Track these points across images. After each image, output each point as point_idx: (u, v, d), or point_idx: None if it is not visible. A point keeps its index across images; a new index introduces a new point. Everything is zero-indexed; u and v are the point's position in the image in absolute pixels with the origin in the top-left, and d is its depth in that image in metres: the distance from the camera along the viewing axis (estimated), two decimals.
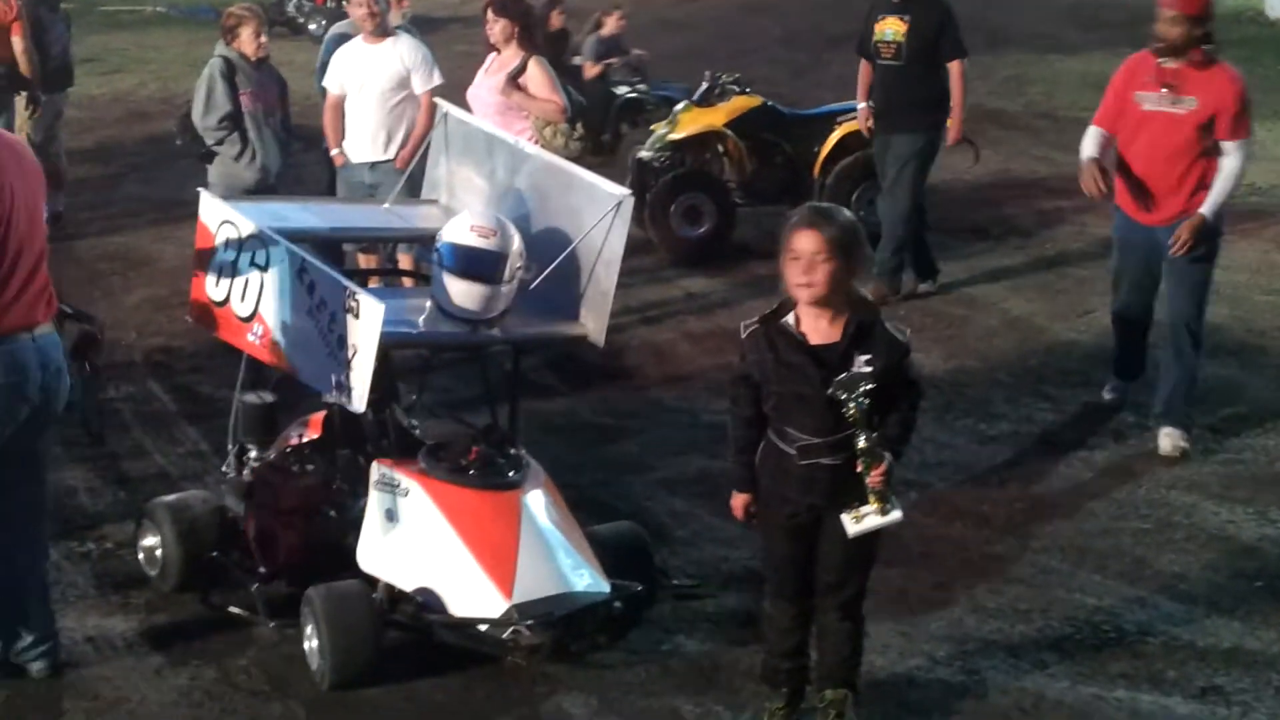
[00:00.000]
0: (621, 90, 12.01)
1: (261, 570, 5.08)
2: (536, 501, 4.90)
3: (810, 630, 4.43)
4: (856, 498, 4.16)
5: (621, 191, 5.20)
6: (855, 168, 9.43)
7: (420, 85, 7.81)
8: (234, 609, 5.04)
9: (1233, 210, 10.50)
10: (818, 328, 4.13)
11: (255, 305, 5.11)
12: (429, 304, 5.21)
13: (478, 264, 5.05)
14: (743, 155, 9.56)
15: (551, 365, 7.35)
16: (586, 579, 4.77)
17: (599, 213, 5.17)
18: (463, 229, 5.12)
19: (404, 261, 7.50)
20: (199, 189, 5.50)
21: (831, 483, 4.18)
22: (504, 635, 4.60)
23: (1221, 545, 5.79)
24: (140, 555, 5.33)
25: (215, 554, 5.19)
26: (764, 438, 4.30)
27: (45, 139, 9.42)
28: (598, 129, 11.17)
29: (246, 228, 5.16)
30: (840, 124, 9.57)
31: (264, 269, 5.07)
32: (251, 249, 5.12)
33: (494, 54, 7.97)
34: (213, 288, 5.28)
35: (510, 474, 4.95)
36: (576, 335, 5.33)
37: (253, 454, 5.40)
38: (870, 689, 4.78)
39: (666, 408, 7.15)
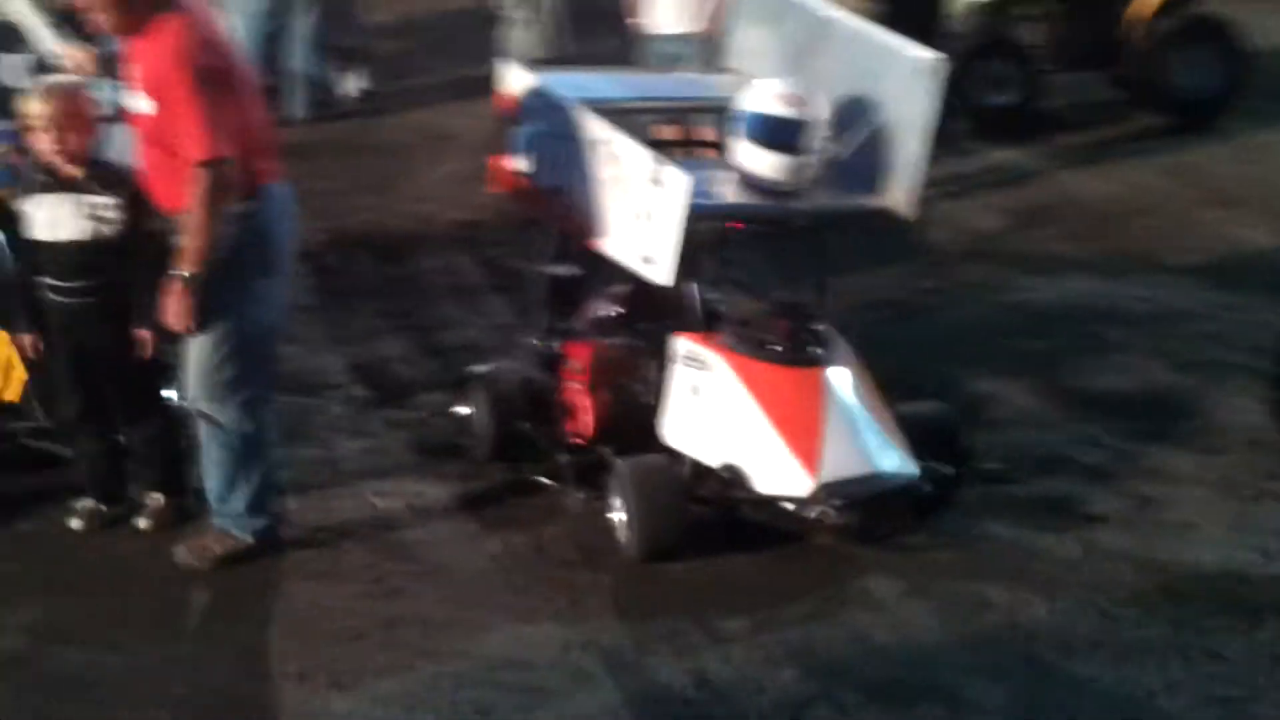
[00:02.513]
0: None
1: (569, 442, 5.13)
2: (843, 379, 4.80)
3: None
4: None
5: (931, 56, 4.96)
6: (1172, 30, 8.84)
7: None
8: (543, 479, 5.11)
9: None
10: None
11: (559, 177, 5.10)
12: (733, 175, 5.10)
13: (784, 133, 4.92)
14: (1051, 20, 9.08)
15: (856, 241, 7.18)
16: (894, 460, 4.68)
17: (906, 79, 4.95)
18: (767, 97, 4.99)
19: (703, 132, 7.39)
20: (497, 60, 5.49)
21: None
22: (810, 514, 4.55)
23: None
24: (454, 425, 5.44)
25: (525, 425, 5.26)
26: None
27: (345, 12, 9.58)
28: None
29: (550, 98, 5.13)
30: None
31: (568, 140, 5.04)
32: (555, 120, 5.10)
33: None
34: (517, 160, 5.29)
35: (815, 350, 4.86)
36: (885, 207, 5.15)
37: (560, 327, 5.43)
38: (1198, 583, 4.54)
39: (973, 285, 6.93)
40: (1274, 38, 10.31)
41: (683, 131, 7.62)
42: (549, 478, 5.10)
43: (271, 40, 8.97)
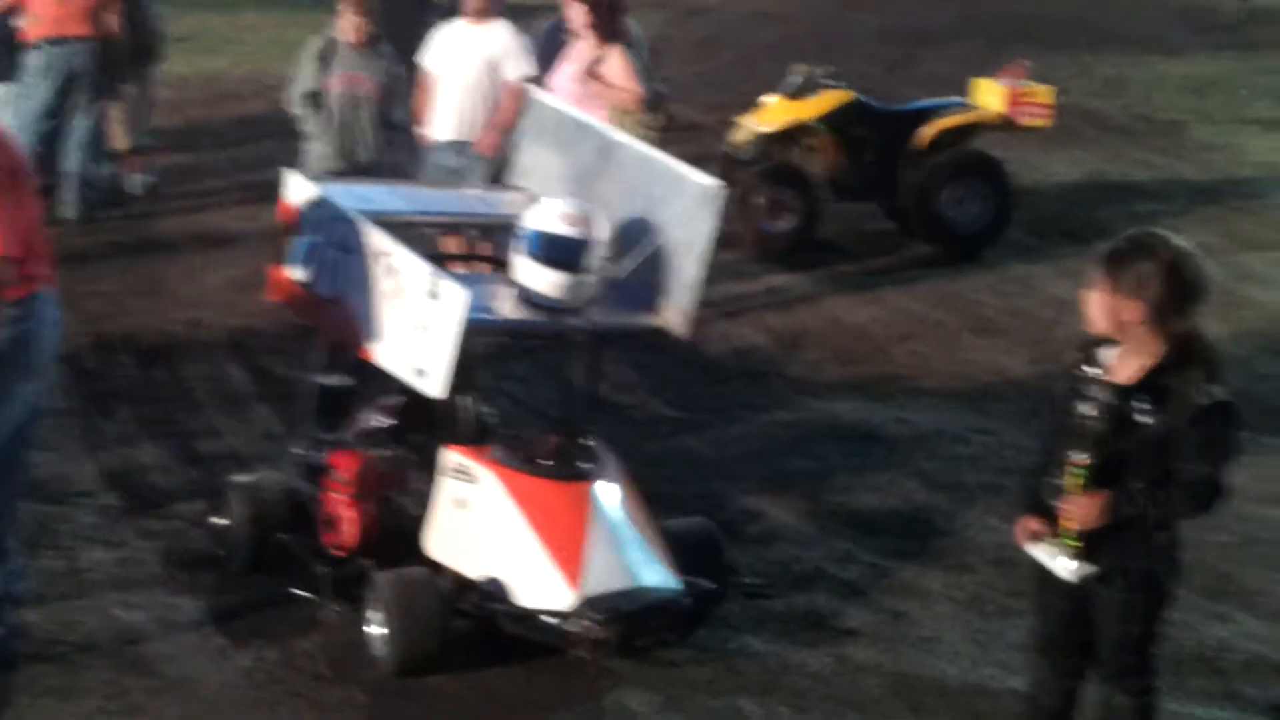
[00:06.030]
0: None
1: (330, 554, 5.06)
2: (609, 494, 4.85)
3: (1077, 702, 4.11)
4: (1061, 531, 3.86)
5: (711, 183, 5.11)
6: (945, 166, 9.27)
7: (513, 71, 7.75)
8: (300, 591, 5.02)
9: None
10: (1125, 364, 3.85)
11: (337, 287, 5.08)
12: (511, 291, 5.16)
13: (563, 252, 5.00)
14: (831, 150, 9.43)
15: (631, 358, 7.30)
16: (657, 575, 4.72)
17: (687, 204, 5.09)
18: (549, 216, 5.07)
19: (485, 248, 7.46)
20: (284, 169, 5.49)
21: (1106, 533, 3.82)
22: (570, 628, 4.56)
23: None
24: (210, 535, 5.33)
25: (284, 536, 5.18)
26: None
27: (136, 114, 9.49)
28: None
29: (331, 209, 5.14)
30: (932, 121, 9.41)
31: (347, 251, 5.04)
32: (335, 230, 5.10)
33: (577, 42, 7.91)
34: (295, 268, 5.26)
35: (583, 465, 4.90)
36: (659, 326, 5.26)
37: (327, 437, 5.38)
38: (941, 697, 4.70)
39: (744, 404, 7.07)
40: (1038, 175, 10.90)
41: (465, 246, 7.73)
42: (306, 590, 5.01)
43: (48, 140, 8.79)
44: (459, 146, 7.81)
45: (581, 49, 7.85)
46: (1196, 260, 3.83)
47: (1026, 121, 9.47)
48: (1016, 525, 3.98)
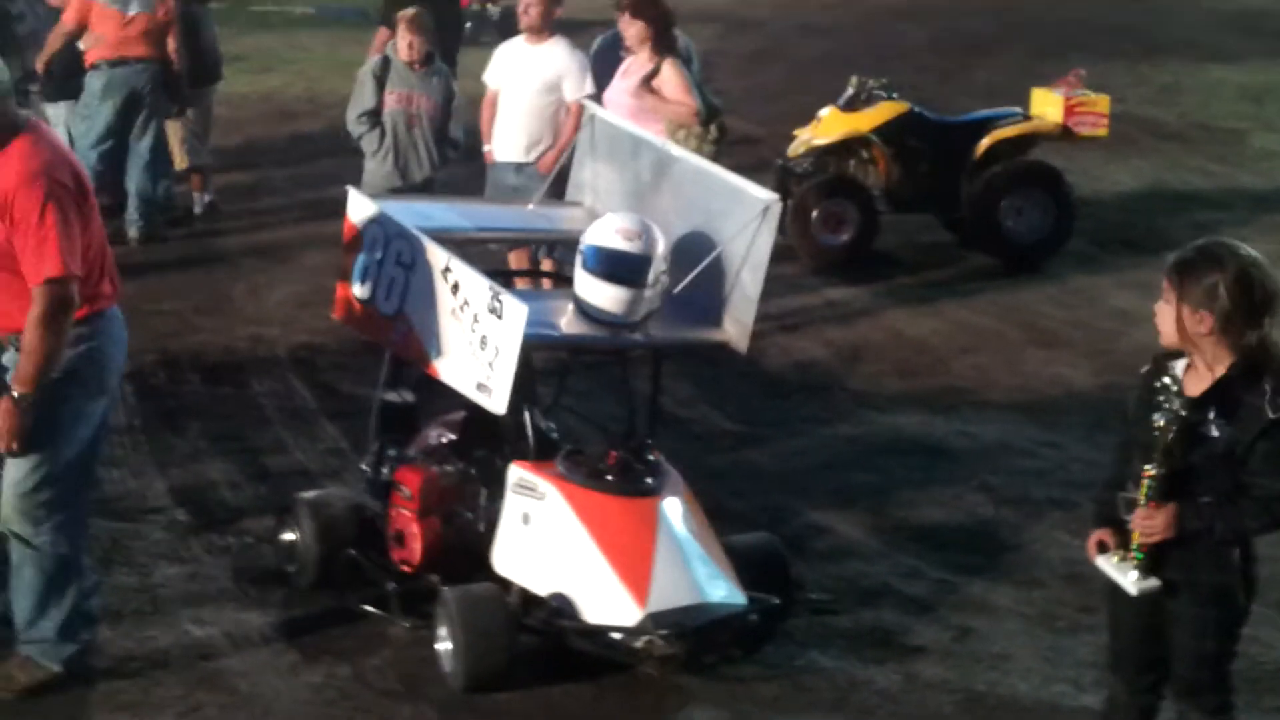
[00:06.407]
0: None
1: (397, 570, 5.08)
2: (674, 509, 4.84)
3: None
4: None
5: (769, 196, 5.11)
6: (1003, 176, 9.22)
7: (572, 92, 7.76)
8: (369, 608, 5.04)
9: None
10: (1196, 377, 3.80)
11: (399, 304, 5.11)
12: (571, 306, 5.17)
13: (622, 267, 5.01)
14: (887, 162, 9.40)
15: (691, 372, 7.29)
16: (722, 590, 4.70)
17: (745, 217, 5.09)
18: (608, 231, 5.08)
19: (546, 264, 7.50)
20: (346, 187, 5.53)
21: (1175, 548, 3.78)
22: (637, 644, 4.55)
23: None
24: (279, 551, 5.36)
25: (352, 552, 5.20)
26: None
27: (195, 134, 9.60)
28: None
29: (392, 226, 5.17)
30: (989, 132, 9.36)
31: (409, 268, 5.07)
32: (397, 247, 5.13)
33: (631, 56, 7.93)
34: (358, 286, 5.30)
35: (648, 480, 4.90)
36: (719, 341, 5.25)
37: (392, 453, 5.40)
38: (1012, 714, 4.66)
39: (805, 418, 7.05)
40: (1097, 185, 10.82)
41: (526, 262, 7.77)
42: (375, 606, 5.03)
43: (111, 159, 8.90)
44: (519, 166, 7.85)
45: (635, 63, 7.87)
46: (1265, 269, 3.78)
47: (1084, 131, 9.41)
48: (1089, 539, 3.93)
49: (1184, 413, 3.71)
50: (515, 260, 7.69)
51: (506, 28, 8.70)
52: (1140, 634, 3.95)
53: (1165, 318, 3.81)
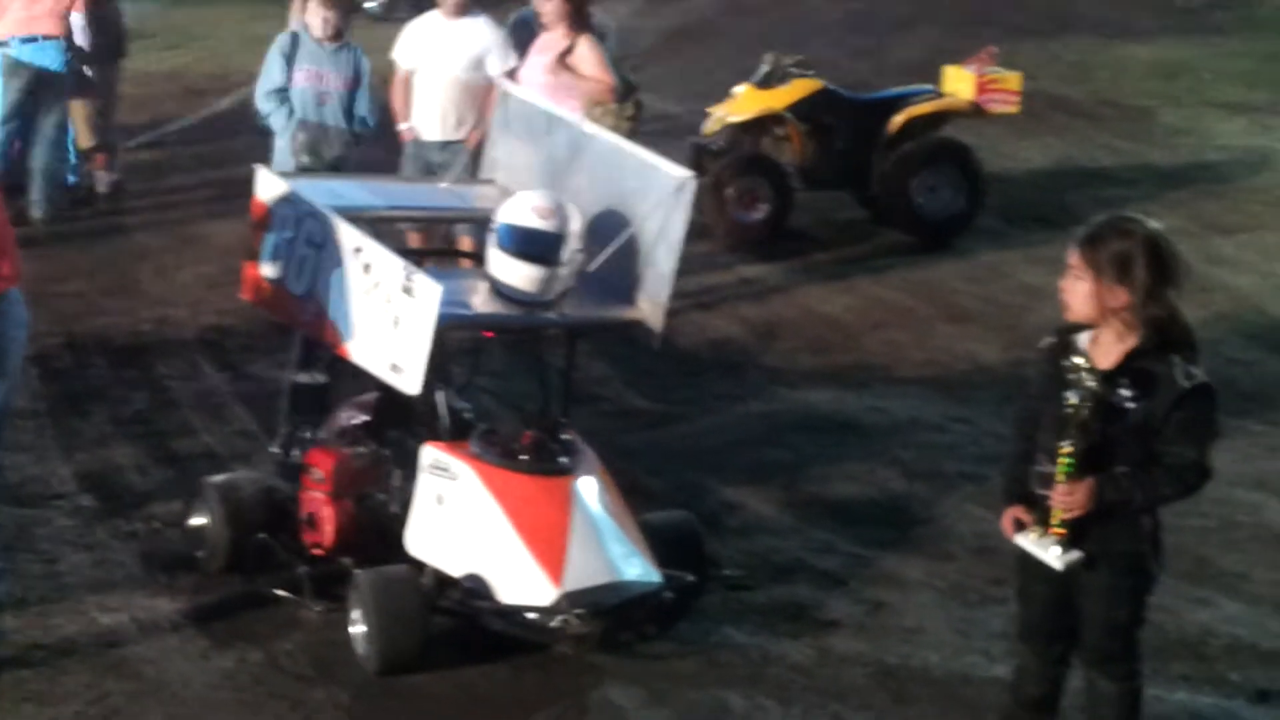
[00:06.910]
0: None
1: (309, 553, 5.04)
2: (589, 488, 4.83)
3: (1062, 689, 4.10)
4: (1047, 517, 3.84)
5: (684, 174, 5.10)
6: (915, 153, 9.28)
7: (496, 68, 7.70)
8: (280, 591, 4.99)
9: None
10: (1102, 349, 3.83)
11: (310, 284, 5.05)
12: (485, 285, 5.14)
13: (536, 245, 4.98)
14: (802, 139, 9.43)
15: (606, 351, 7.29)
16: (638, 568, 4.71)
17: (660, 195, 5.08)
18: (522, 209, 5.04)
19: (461, 242, 7.44)
20: (255, 165, 5.45)
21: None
22: (553, 624, 4.55)
23: None
24: (188, 536, 5.29)
25: (263, 535, 5.15)
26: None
27: (100, 112, 9.42)
28: None
29: (303, 205, 5.10)
30: (902, 109, 9.41)
31: (319, 247, 5.01)
32: (308, 227, 5.07)
33: (547, 33, 7.88)
34: (267, 266, 5.23)
35: (563, 460, 4.88)
36: (634, 319, 5.25)
37: (303, 435, 5.34)
38: (925, 686, 4.71)
39: (719, 395, 7.07)
40: (1008, 161, 10.93)
41: (434, 240, 7.71)
42: (287, 590, 4.98)
43: (14, 139, 8.72)
44: (445, 144, 7.76)
45: (550, 39, 7.83)
46: (1172, 242, 3.84)
47: (995, 108, 9.49)
48: (1002, 516, 3.97)
49: (1098, 387, 3.75)
50: (415, 240, 7.62)
51: (420, 6, 8.59)
52: (1050, 604, 4.00)
53: (1075, 293, 3.85)
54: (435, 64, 7.78)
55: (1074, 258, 3.85)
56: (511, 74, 7.49)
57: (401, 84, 7.89)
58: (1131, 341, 3.81)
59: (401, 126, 7.91)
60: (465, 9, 7.81)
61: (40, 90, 8.72)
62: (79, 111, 9.29)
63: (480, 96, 7.71)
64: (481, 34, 7.80)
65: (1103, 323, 3.84)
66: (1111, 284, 3.77)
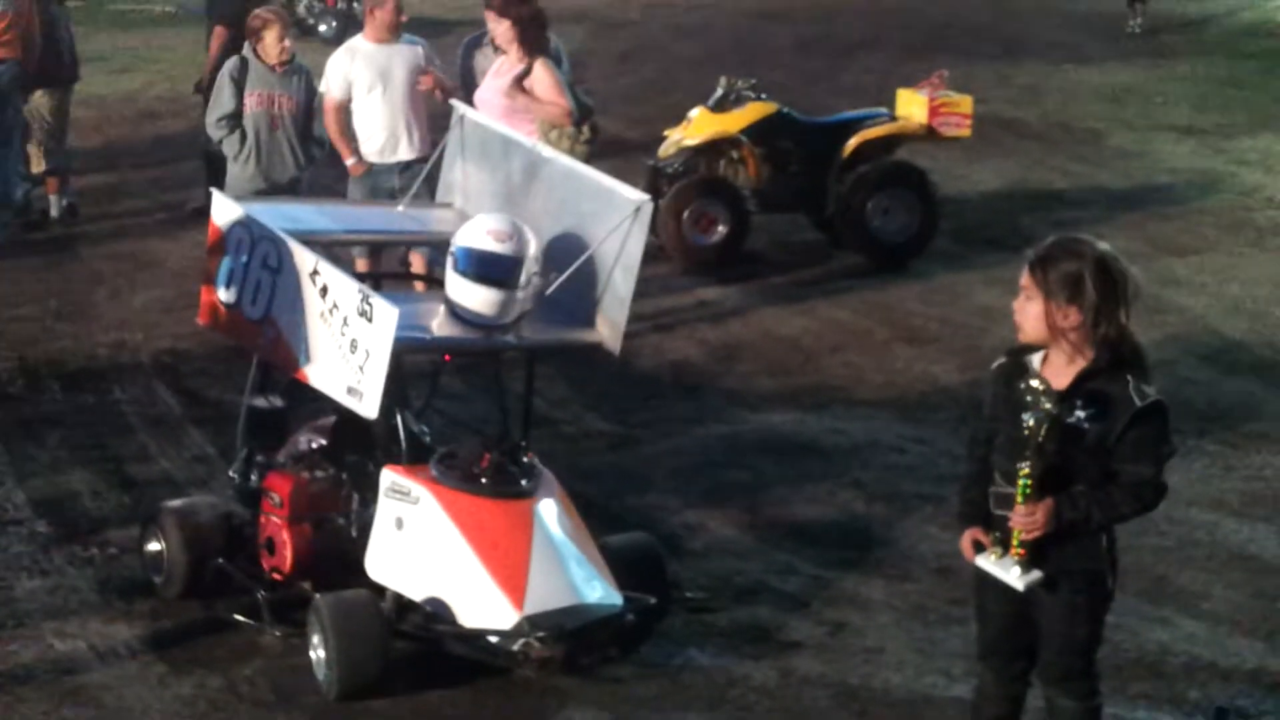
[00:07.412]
0: None
1: (268, 578, 5.00)
2: (549, 511, 4.82)
3: (1022, 708, 4.10)
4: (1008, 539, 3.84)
5: (640, 197, 5.12)
6: (870, 176, 9.35)
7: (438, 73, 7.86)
8: (239, 617, 4.96)
9: (1252, 224, 10.51)
10: (1055, 370, 3.84)
11: (266, 308, 5.03)
12: (443, 308, 5.13)
13: (493, 268, 4.97)
14: (757, 162, 9.47)
15: (565, 373, 7.28)
16: (599, 591, 4.70)
17: (616, 218, 5.09)
18: (479, 233, 5.04)
19: (417, 265, 7.42)
20: (211, 189, 5.43)
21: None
22: (514, 647, 4.54)
23: (1243, 564, 5.71)
24: (145, 561, 5.24)
25: (221, 560, 5.11)
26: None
27: (53, 136, 9.35)
28: None
29: (258, 229, 5.08)
30: (856, 132, 9.48)
31: (275, 271, 4.99)
32: (263, 250, 5.05)
33: (501, 56, 7.89)
34: (223, 290, 5.20)
35: (523, 483, 4.87)
36: (592, 342, 5.25)
37: (261, 460, 5.31)
38: (886, 706, 4.72)
39: (679, 418, 7.07)
40: (961, 184, 11.02)
41: (389, 263, 7.68)
42: (245, 615, 4.95)
43: None
44: (406, 165, 7.72)
45: (505, 63, 7.83)
46: (1122, 262, 3.88)
47: (949, 131, 9.56)
48: (961, 538, 3.99)
49: (1055, 411, 3.78)
50: (363, 266, 7.57)
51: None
52: (1009, 623, 4.02)
53: (1027, 314, 3.88)
54: (382, 87, 7.76)
55: (1025, 279, 3.88)
56: (463, 96, 7.50)
57: (336, 113, 7.82)
58: (1083, 362, 3.84)
59: (349, 161, 7.84)
60: (398, 32, 7.84)
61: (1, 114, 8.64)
62: (31, 136, 9.23)
63: (424, 110, 7.79)
64: (416, 50, 7.88)
65: (1054, 343, 3.87)
66: (1062, 304, 3.81)
